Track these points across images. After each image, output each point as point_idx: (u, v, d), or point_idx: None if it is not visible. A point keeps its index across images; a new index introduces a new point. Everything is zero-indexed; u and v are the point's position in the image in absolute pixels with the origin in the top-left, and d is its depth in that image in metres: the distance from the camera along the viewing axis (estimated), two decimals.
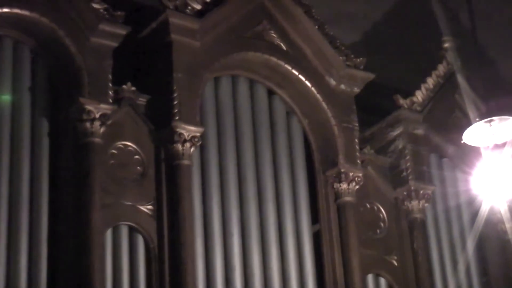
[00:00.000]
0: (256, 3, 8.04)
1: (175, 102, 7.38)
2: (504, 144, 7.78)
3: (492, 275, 8.80)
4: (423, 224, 8.40)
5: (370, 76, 8.38)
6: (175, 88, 7.42)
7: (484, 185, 8.06)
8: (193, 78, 7.53)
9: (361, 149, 8.27)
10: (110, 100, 7.16)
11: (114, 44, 7.30)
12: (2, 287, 6.49)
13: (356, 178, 8.06)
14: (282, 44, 8.12)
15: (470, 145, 7.93)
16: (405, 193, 8.39)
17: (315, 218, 7.97)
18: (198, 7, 7.73)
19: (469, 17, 9.16)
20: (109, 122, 7.12)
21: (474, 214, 8.54)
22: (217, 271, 7.26)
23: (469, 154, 8.55)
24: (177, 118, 7.34)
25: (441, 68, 8.99)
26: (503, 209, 8.44)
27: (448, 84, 8.96)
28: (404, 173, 8.45)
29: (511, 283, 8.75)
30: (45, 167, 6.97)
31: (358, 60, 8.36)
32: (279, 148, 7.96)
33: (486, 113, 7.92)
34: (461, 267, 8.50)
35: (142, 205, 7.18)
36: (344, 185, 8.02)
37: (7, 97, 6.97)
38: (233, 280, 7.30)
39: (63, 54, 7.17)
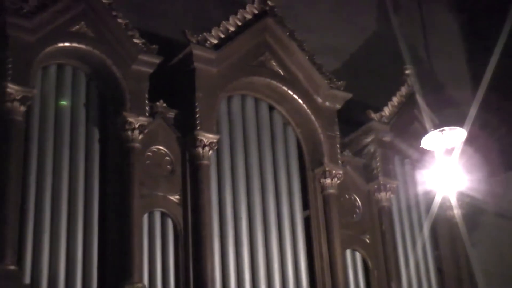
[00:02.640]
0: (260, 39, 8.03)
1: (197, 115, 7.37)
2: (453, 148, 7.82)
3: (442, 249, 8.74)
4: (389, 210, 8.35)
5: (349, 95, 8.34)
6: (197, 104, 7.41)
7: (437, 180, 8.10)
8: (211, 97, 7.54)
9: (341, 152, 8.22)
10: (147, 114, 7.16)
11: (150, 70, 7.31)
12: (63, 258, 6.53)
13: (337, 175, 8.02)
14: (280, 71, 8.09)
15: (426, 149, 7.97)
16: (375, 186, 8.34)
17: (305, 205, 7.94)
18: (215, 41, 7.71)
19: (425, 50, 9.20)
20: (146, 131, 7.12)
21: (429, 202, 8.54)
22: (229, 246, 7.26)
23: (426, 156, 8.54)
24: (198, 128, 7.34)
25: (404, 89, 8.93)
26: (452, 199, 8.46)
27: (409, 102, 8.89)
28: (375, 171, 8.39)
29: (457, 256, 8.70)
30: (96, 166, 6.98)
31: (339, 83, 8.32)
32: (278, 151, 7.94)
33: (439, 124, 7.96)
34: (419, 244, 8.46)
35: (171, 195, 7.18)
36: (328, 180, 7.99)
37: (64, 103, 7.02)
38: (241, 253, 7.30)
39: (111, 78, 7.19)
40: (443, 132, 7.61)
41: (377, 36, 10.36)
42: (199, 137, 7.31)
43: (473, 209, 9.19)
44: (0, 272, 6.07)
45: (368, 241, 8.15)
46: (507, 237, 10.18)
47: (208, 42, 7.67)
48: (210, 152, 7.36)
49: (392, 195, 8.39)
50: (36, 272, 6.40)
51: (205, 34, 7.68)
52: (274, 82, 8.02)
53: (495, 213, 10.14)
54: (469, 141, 8.11)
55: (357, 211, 8.24)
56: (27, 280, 6.33)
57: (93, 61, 7.17)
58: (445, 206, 8.67)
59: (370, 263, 8.09)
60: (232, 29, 7.88)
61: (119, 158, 7.04)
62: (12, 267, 6.17)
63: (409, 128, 8.77)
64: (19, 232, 6.37)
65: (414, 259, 8.37)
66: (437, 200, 8.36)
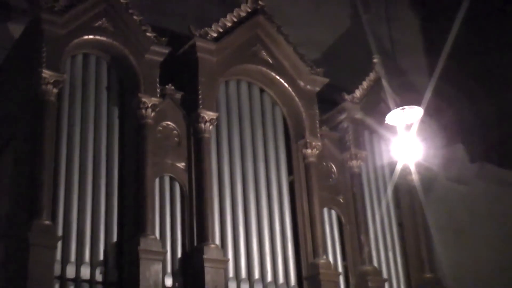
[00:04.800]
0: (252, 33, 8.03)
1: (200, 97, 7.40)
2: (411, 124, 7.87)
3: (403, 208, 8.78)
4: (359, 176, 8.39)
5: (326, 80, 8.33)
6: (199, 87, 7.43)
7: (399, 151, 8.15)
8: (211, 81, 7.56)
9: (320, 127, 8.22)
10: (158, 95, 7.19)
11: (160, 59, 7.33)
12: (89, 215, 6.61)
13: (317, 146, 8.04)
14: (269, 59, 8.09)
15: (390, 125, 8.01)
16: (348, 156, 8.35)
17: (290, 171, 7.97)
18: (215, 35, 7.73)
19: (390, 42, 9.22)
20: (157, 109, 7.15)
21: (392, 169, 8.58)
22: (226, 205, 7.32)
23: (389, 130, 8.48)
24: (201, 107, 7.37)
25: (372, 75, 8.90)
26: (411, 166, 8.50)
27: (376, 85, 8.86)
28: (348, 143, 8.39)
29: (415, 213, 8.73)
30: (116, 138, 7.03)
31: (318, 70, 8.32)
32: (267, 126, 7.96)
33: (400, 104, 8.00)
34: (383, 203, 8.50)
35: (178, 163, 7.22)
36: (309, 151, 8.01)
37: None
38: (236, 212, 7.37)
39: (128, 66, 7.22)
40: (404, 110, 7.66)
41: (349, 30, 10.40)
42: (201, 114, 7.35)
43: (428, 175, 9.27)
44: (37, 227, 6.19)
45: (342, 201, 8.20)
46: (456, 197, 10.27)
47: (209, 35, 7.69)
48: (211, 127, 7.40)
49: (362, 163, 8.41)
50: (67, 226, 6.49)
51: (206, 28, 7.70)
52: (264, 69, 8.03)
53: (446, 178, 10.23)
54: (428, 114, 8.15)
55: (333, 176, 8.28)
56: (60, 232, 6.42)
57: (113, 51, 7.20)
58: (405, 172, 8.68)
59: (343, 219, 8.13)
60: (229, 24, 7.89)
61: (135, 132, 7.08)
62: (47, 222, 6.26)
63: (376, 107, 8.75)
64: (53, 193, 6.46)
65: (380, 216, 8.42)
66: (399, 167, 8.41)
